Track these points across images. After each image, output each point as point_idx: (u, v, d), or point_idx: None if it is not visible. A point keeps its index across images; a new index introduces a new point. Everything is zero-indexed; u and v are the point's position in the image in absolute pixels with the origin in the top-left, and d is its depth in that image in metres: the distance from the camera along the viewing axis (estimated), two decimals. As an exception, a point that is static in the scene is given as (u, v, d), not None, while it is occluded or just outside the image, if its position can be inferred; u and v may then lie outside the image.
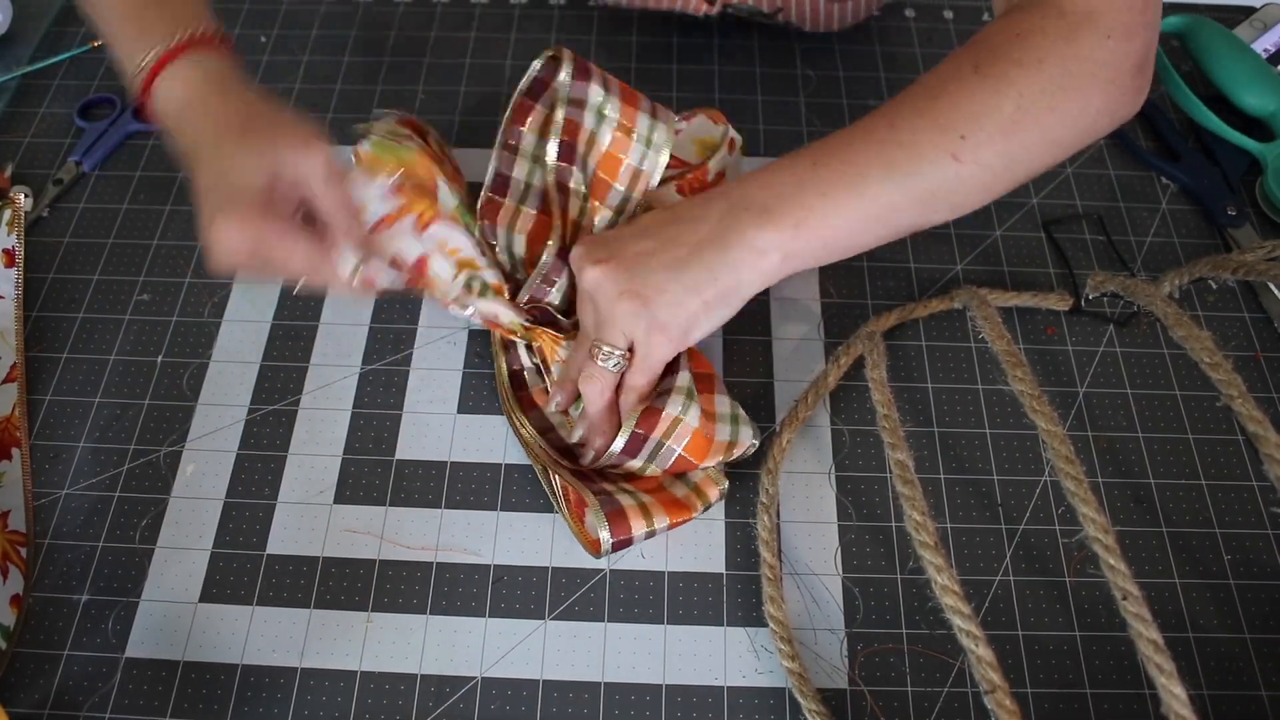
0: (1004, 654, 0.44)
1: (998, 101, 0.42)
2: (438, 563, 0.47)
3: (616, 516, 0.43)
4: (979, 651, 0.40)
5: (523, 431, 0.49)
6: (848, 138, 0.44)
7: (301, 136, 0.43)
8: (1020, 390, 0.46)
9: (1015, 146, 0.43)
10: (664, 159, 0.50)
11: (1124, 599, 0.40)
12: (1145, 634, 0.39)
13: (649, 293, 0.43)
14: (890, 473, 0.46)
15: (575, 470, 0.47)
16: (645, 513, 0.44)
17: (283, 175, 0.43)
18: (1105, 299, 0.55)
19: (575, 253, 0.46)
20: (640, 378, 0.45)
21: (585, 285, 0.45)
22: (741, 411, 0.48)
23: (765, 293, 0.54)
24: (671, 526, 0.45)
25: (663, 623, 0.45)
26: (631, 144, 0.49)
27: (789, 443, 0.49)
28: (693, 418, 0.44)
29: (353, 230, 0.45)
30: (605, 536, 0.43)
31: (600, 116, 0.49)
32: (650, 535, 0.44)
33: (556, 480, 0.47)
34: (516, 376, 0.51)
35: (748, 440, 0.47)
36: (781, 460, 0.48)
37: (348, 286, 0.45)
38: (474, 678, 0.44)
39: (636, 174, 0.50)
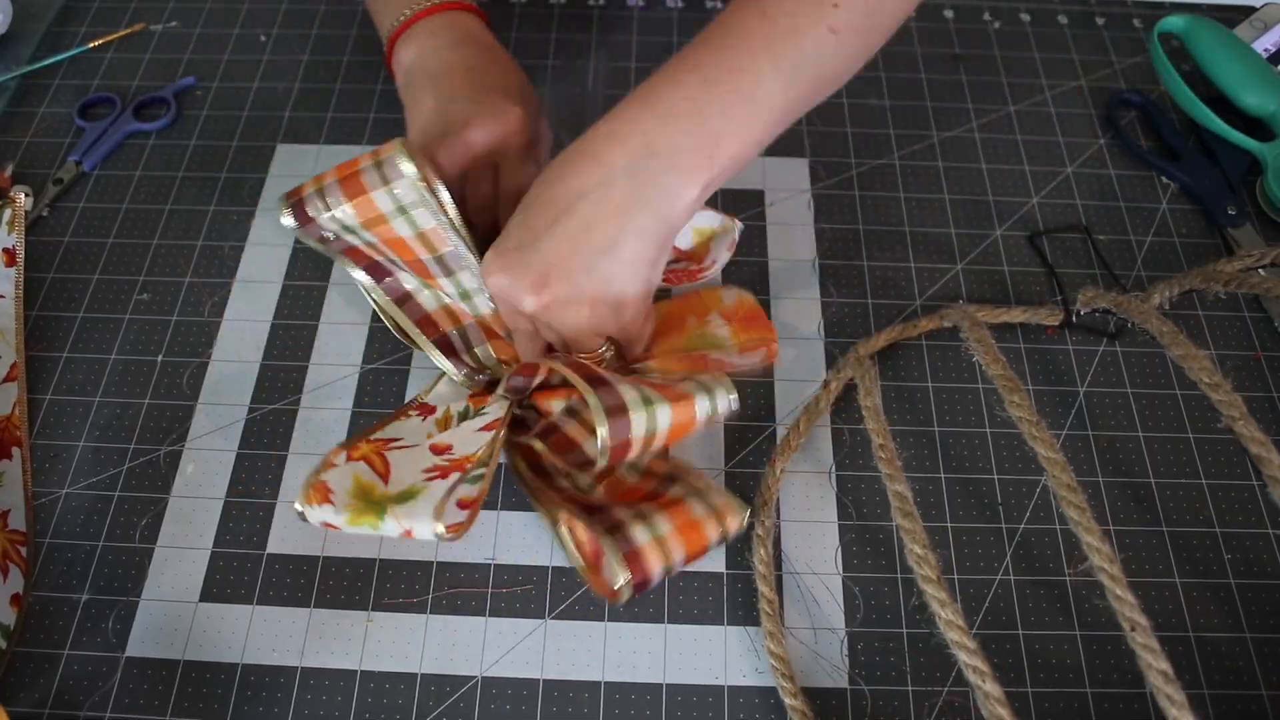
0: (1004, 654, 0.44)
1: None
2: (438, 562, 0.47)
3: (633, 556, 0.41)
4: (986, 688, 0.39)
5: (532, 484, 0.48)
6: (722, 36, 0.41)
7: (498, 113, 0.47)
8: (1019, 417, 0.45)
9: (876, 3, 0.42)
10: None
11: (1132, 630, 0.39)
12: (1155, 665, 0.38)
13: (604, 292, 0.42)
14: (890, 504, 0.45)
15: (587, 506, 0.45)
16: (662, 548, 0.42)
17: (463, 136, 0.46)
18: (1097, 314, 0.54)
19: (491, 269, 0.42)
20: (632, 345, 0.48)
21: (529, 311, 0.43)
22: (707, 379, 0.45)
23: (766, 293, 0.55)
24: (688, 559, 0.43)
25: (663, 622, 0.45)
26: None
27: (783, 472, 0.48)
28: (663, 419, 0.43)
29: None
30: (624, 579, 0.41)
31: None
32: (668, 573, 0.43)
33: (566, 531, 0.46)
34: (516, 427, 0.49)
35: (725, 405, 0.45)
36: (776, 489, 0.48)
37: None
38: (474, 677, 0.44)
39: None
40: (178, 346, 0.54)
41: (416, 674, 0.44)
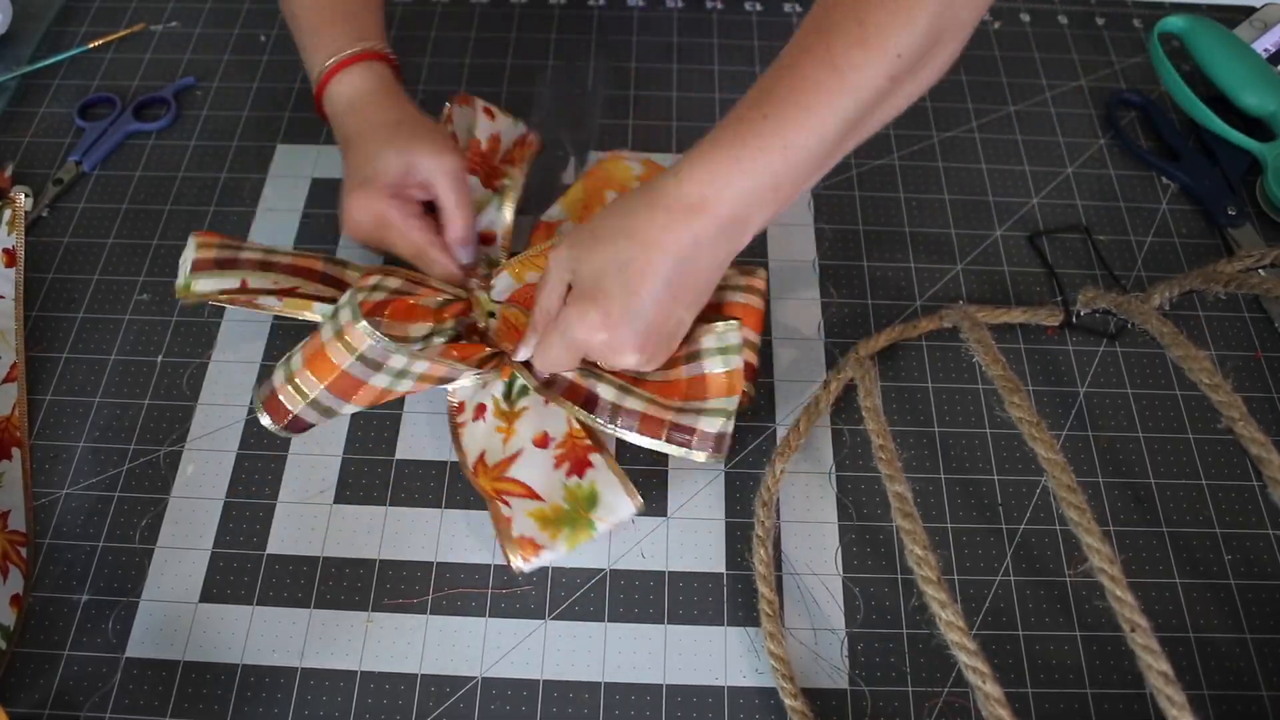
0: (1004, 654, 0.44)
1: (919, 12, 0.41)
2: (438, 563, 0.47)
3: (747, 369, 0.48)
4: (986, 689, 0.39)
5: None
6: (797, 90, 0.42)
7: (437, 144, 0.50)
8: (1019, 418, 0.45)
9: (934, 54, 0.43)
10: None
11: (1132, 631, 0.39)
12: (1155, 666, 0.38)
13: (675, 341, 0.47)
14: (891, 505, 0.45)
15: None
16: (751, 349, 0.49)
17: (415, 173, 0.50)
18: (1097, 314, 0.54)
19: (595, 327, 0.43)
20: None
21: (627, 365, 0.45)
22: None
23: (766, 294, 0.55)
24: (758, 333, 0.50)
25: (663, 623, 0.45)
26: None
27: (783, 472, 0.48)
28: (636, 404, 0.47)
29: (467, 230, 0.52)
30: (747, 386, 0.48)
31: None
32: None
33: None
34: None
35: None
36: (776, 490, 0.48)
37: (447, 269, 0.52)
38: (474, 678, 0.44)
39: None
40: (178, 346, 0.54)
41: (416, 674, 0.44)
